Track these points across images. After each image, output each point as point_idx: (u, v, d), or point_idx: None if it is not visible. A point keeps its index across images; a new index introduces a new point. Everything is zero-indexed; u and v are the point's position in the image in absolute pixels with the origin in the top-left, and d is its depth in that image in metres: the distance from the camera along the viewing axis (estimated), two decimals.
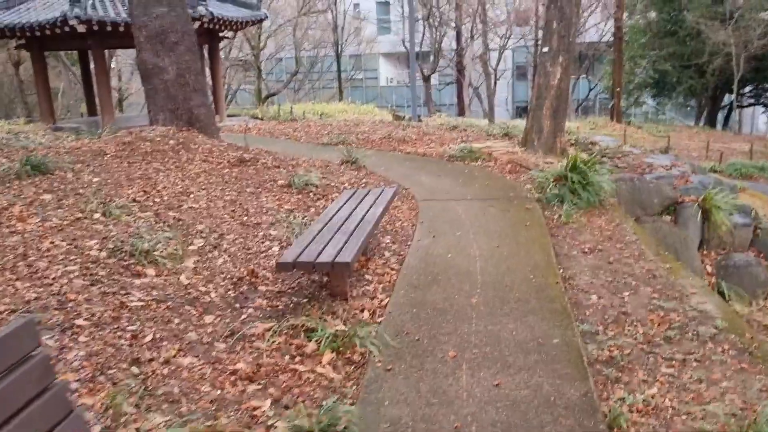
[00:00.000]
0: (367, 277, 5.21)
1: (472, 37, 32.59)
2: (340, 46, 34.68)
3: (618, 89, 27.07)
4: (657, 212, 8.79)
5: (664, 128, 27.32)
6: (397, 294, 4.87)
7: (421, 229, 6.44)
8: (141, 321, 4.02)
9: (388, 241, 6.09)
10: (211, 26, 18.83)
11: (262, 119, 24.55)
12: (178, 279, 4.72)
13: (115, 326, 3.87)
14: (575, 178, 7.30)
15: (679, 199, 8.98)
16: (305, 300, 4.65)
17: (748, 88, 34.12)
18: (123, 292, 4.32)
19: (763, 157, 23.27)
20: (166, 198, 6.24)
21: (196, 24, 18.26)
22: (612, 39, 33.79)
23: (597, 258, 5.73)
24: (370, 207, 5.48)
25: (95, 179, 6.42)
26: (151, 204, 6.04)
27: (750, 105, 36.55)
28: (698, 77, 30.95)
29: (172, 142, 8.00)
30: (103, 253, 4.77)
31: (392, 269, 5.40)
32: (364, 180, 8.16)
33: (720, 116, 36.68)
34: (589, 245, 6.05)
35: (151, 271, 4.74)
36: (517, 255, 5.65)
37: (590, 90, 39.72)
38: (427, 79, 33.25)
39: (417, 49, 36.13)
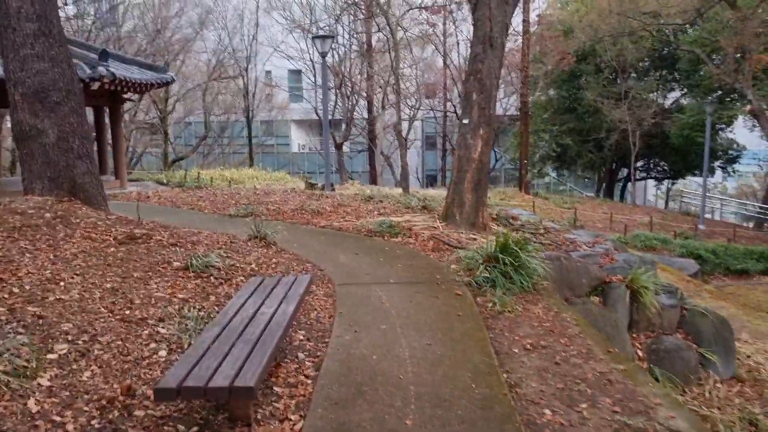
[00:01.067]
0: (276, 389, 4.19)
1: (383, 107, 32.63)
2: (250, 112, 33.80)
3: (525, 161, 27.51)
4: (585, 293, 8.24)
5: (569, 199, 27.86)
6: (314, 414, 3.87)
7: (341, 321, 5.48)
8: None
9: (301, 337, 5.10)
10: (112, 87, 17.55)
11: (167, 184, 23.13)
12: (25, 405, 3.54)
13: None
14: (507, 260, 6.61)
15: (607, 278, 8.49)
16: (196, 429, 3.57)
17: (640, 163, 35.79)
18: None
19: (662, 229, 23.97)
20: (28, 287, 5.01)
21: (96, 85, 17.00)
22: (516, 113, 34.91)
23: (542, 357, 4.95)
24: (280, 303, 4.50)
25: None
26: (6, 296, 4.80)
27: (643, 178, 38.28)
28: (597, 151, 32.12)
29: (48, 215, 6.75)
30: None
31: (307, 377, 4.40)
32: (274, 260, 7.16)
33: (616, 188, 38.22)
34: (531, 340, 5.28)
35: None
36: (452, 356, 4.78)
37: (496, 160, 40.59)
38: (339, 146, 32.85)
39: (329, 117, 35.87)
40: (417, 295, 6.25)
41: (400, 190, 22.72)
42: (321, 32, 26.35)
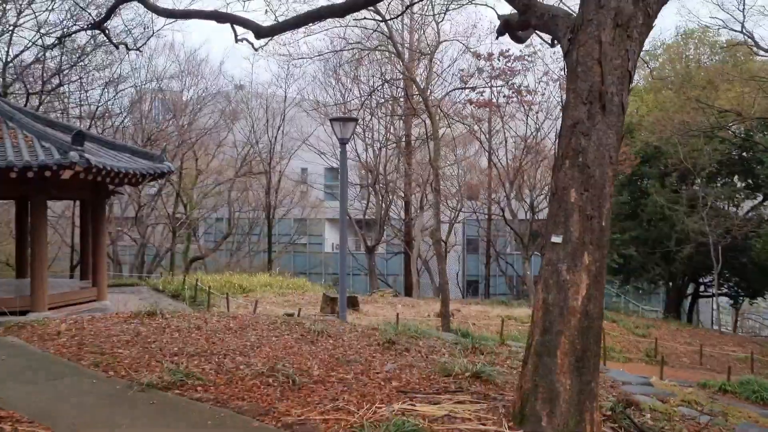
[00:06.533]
0: None
1: (421, 207, 28.56)
2: (272, 210, 29.98)
3: None
4: None
5: (640, 322, 22.60)
6: None
7: None
8: None
9: None
10: (90, 177, 13.75)
11: (163, 292, 19.07)
12: None
13: None
14: None
15: None
16: None
17: (708, 278, 30.55)
18: None
19: (765, 367, 18.54)
20: None
21: (67, 173, 13.23)
22: None
23: None
24: None
25: None
26: None
27: (711, 295, 32.76)
28: (665, 264, 27.04)
29: None
30: None
31: None
32: None
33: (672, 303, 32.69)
34: None
35: None
36: None
37: None
38: (371, 249, 28.57)
39: (361, 216, 31.95)
40: None
41: (438, 306, 18.08)
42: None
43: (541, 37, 12.89)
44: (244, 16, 7.82)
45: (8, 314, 12.29)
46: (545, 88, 26.76)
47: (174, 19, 11.40)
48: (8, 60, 21.00)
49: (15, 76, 20.91)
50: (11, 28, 20.00)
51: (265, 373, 6.29)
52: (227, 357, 6.98)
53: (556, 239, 5.10)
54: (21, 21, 20.33)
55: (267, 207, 30.17)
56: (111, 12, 8.71)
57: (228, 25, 8.67)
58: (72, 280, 19.09)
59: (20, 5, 20.13)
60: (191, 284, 18.35)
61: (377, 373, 6.66)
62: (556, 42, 10.80)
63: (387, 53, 20.59)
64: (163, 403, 5.42)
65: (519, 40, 8.09)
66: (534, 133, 28.51)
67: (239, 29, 8.39)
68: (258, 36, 7.57)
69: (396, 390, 6.01)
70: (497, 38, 7.72)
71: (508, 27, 7.10)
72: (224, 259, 36.08)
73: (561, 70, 26.26)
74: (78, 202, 24.27)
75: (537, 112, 27.80)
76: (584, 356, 4.91)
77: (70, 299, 15.17)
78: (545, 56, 25.67)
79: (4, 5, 20.20)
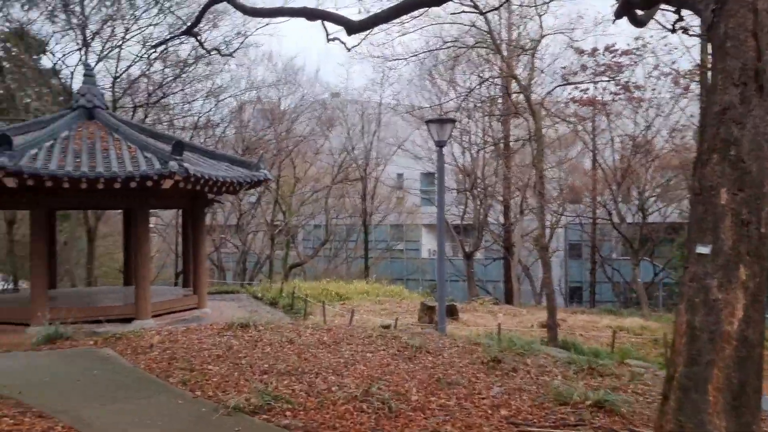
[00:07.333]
0: None
1: (521, 212, 27.40)
2: (368, 217, 29.71)
3: None
4: None
5: None
6: None
7: None
8: None
9: None
10: (189, 186, 13.91)
11: (261, 299, 19.15)
12: None
13: None
14: None
15: None
16: None
17: None
18: None
19: None
20: None
21: (168, 183, 13.41)
22: (680, 221, 28.34)
23: None
24: None
25: None
26: None
27: None
28: None
29: None
30: None
31: None
32: None
33: None
34: None
35: None
36: None
37: (655, 275, 33.33)
38: (469, 256, 27.69)
39: (459, 222, 31.16)
40: None
41: (541, 314, 17.09)
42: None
43: (659, 23, 11.67)
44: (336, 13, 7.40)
45: (106, 323, 12.41)
46: (655, 84, 24.92)
47: (263, 19, 11.19)
48: (117, 75, 22.00)
49: (123, 90, 21.86)
50: (119, 43, 20.92)
51: (359, 397, 5.75)
52: (319, 376, 6.50)
53: (704, 250, 4.21)
54: (128, 36, 21.21)
55: (363, 213, 30.02)
56: (201, 15, 8.56)
57: (321, 29, 8.33)
58: (175, 288, 19.60)
59: (127, 22, 21.00)
60: (289, 292, 18.29)
61: (482, 398, 5.96)
62: (675, 26, 9.51)
63: (484, 52, 19.82)
64: (249, 429, 4.99)
65: (639, 23, 7.15)
66: (643, 132, 26.66)
67: (330, 28, 7.99)
68: (349, 32, 7.10)
69: (506, 420, 5.29)
70: (614, 21, 6.84)
71: (628, 7, 6.25)
72: (322, 265, 36.36)
73: (673, 62, 24.43)
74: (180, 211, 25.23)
75: (647, 109, 25.99)
76: (742, 392, 3.99)
77: (173, 307, 15.40)
78: (656, 49, 23.86)
79: (113, 24, 21.15)
